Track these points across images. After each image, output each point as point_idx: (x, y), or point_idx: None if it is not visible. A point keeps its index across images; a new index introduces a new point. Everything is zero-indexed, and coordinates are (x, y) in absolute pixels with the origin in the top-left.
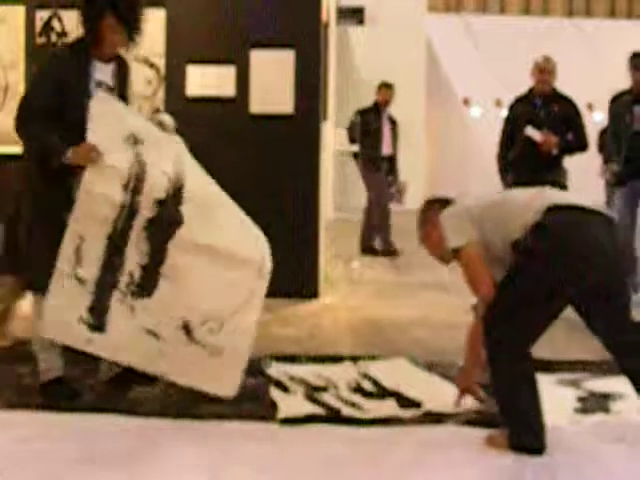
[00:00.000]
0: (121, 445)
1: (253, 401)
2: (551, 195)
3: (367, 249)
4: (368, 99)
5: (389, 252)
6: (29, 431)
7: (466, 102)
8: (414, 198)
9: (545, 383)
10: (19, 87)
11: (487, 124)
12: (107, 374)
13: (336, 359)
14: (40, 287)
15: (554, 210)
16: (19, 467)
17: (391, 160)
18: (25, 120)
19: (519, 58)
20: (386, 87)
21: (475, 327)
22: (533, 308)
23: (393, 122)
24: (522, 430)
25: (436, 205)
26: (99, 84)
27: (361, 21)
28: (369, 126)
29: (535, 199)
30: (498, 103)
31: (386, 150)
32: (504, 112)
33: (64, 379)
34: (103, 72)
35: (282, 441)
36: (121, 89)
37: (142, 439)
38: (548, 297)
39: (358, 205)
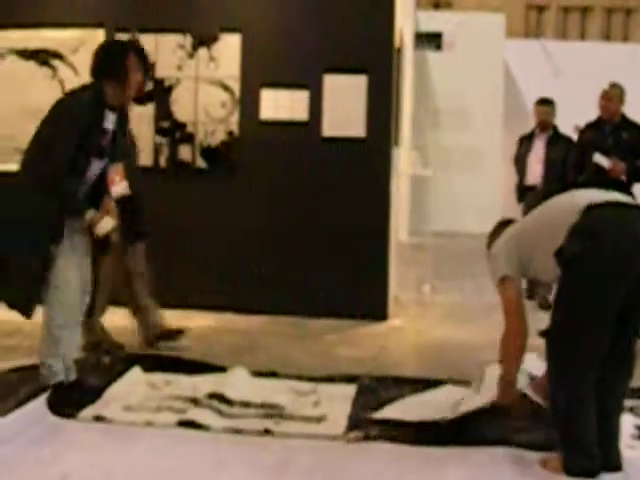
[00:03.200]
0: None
1: None
2: (587, 195)
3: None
4: (444, 124)
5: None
6: None
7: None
8: (490, 223)
9: None
10: None
11: None
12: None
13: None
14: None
15: (591, 209)
16: None
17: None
18: (57, 172)
19: (598, 84)
20: (541, 104)
21: (507, 334)
22: (591, 315)
23: (567, 145)
24: (577, 453)
25: (505, 226)
26: (103, 131)
27: (439, 46)
28: (519, 152)
29: (574, 204)
30: (577, 129)
31: (531, 179)
32: None
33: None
34: (109, 120)
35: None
36: (116, 134)
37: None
38: (601, 299)
39: (432, 230)
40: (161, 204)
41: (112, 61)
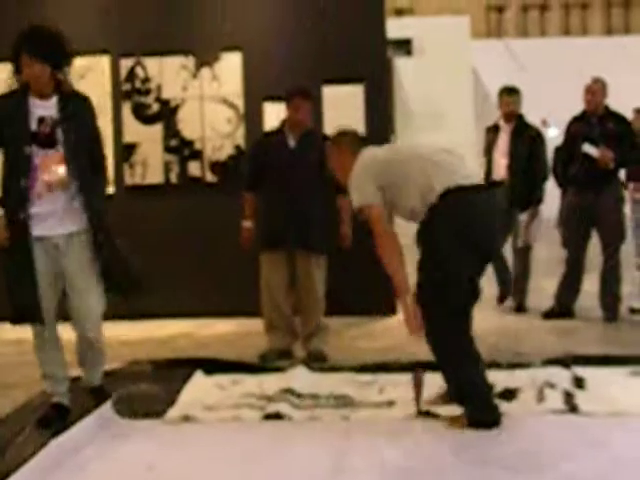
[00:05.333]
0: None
1: None
2: (445, 174)
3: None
4: (419, 127)
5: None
6: None
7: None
8: None
9: (621, 375)
10: (107, 131)
11: None
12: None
13: None
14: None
15: (447, 195)
16: None
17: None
18: None
19: (562, 78)
20: (507, 94)
21: (384, 252)
22: (449, 273)
23: (533, 136)
24: (477, 406)
25: (348, 137)
26: (41, 119)
27: (409, 52)
28: (486, 144)
29: (434, 175)
30: (544, 123)
31: (498, 173)
32: (550, 131)
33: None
34: (45, 108)
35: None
36: (69, 123)
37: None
38: (455, 263)
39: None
40: (174, 218)
41: (14, 67)
